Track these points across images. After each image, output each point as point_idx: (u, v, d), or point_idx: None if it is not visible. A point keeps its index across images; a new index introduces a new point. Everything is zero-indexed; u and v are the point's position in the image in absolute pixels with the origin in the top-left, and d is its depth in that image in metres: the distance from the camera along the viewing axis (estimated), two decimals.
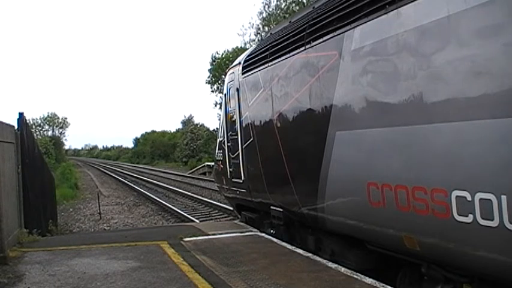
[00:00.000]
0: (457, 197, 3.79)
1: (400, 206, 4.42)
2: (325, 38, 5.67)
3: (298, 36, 6.46)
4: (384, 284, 4.95)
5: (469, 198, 3.67)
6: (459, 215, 3.78)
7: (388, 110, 4.57)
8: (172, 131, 71.08)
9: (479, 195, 3.60)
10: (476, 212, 3.63)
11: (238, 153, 8.95)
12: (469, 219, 3.70)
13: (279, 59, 7.01)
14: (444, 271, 4.44)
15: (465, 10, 3.67)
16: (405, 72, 4.31)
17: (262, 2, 32.60)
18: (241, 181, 8.93)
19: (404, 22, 4.31)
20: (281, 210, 7.46)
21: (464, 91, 3.74)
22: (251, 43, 31.69)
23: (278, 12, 30.91)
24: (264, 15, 31.89)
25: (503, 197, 3.41)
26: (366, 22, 4.88)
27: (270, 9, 31.71)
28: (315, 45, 5.90)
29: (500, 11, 3.47)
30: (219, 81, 37.61)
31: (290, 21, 7.56)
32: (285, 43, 6.88)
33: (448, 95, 3.87)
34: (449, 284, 4.45)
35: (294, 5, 29.81)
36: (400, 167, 4.44)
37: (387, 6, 4.54)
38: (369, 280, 5.11)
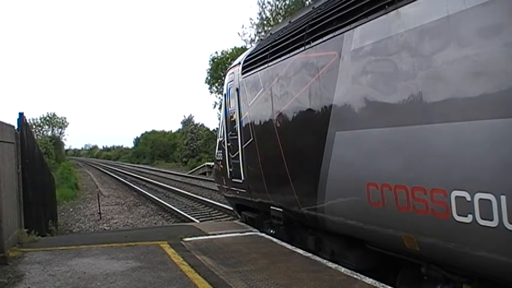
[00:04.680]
0: (456, 197, 3.79)
1: (400, 206, 4.42)
2: (324, 38, 5.67)
3: (298, 37, 6.46)
4: (383, 284, 4.96)
5: (469, 199, 3.68)
6: (459, 215, 3.79)
7: (388, 110, 4.57)
8: (172, 131, 71.13)
9: (478, 196, 3.60)
10: (476, 212, 3.63)
11: (238, 153, 8.95)
12: (468, 219, 3.70)
13: (279, 59, 7.01)
14: (444, 271, 4.44)
15: (464, 10, 3.68)
16: (405, 72, 4.31)
17: (259, 3, 32.60)
18: (241, 181, 8.93)
19: (404, 22, 4.31)
20: (281, 210, 7.46)
21: (463, 91, 3.74)
22: (251, 43, 31.69)
23: (277, 13, 30.88)
24: (263, 15, 31.87)
25: (503, 197, 3.41)
26: (365, 22, 4.88)
27: (267, 12, 31.72)
28: (315, 45, 5.90)
29: (499, 11, 3.47)
30: (218, 82, 37.57)
31: (290, 22, 7.57)
32: (285, 43, 6.89)
33: (447, 95, 3.87)
34: (449, 284, 4.45)
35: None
36: (400, 167, 4.44)
37: (387, 6, 4.54)
38: (369, 280, 5.12)
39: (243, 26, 38.79)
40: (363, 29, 4.93)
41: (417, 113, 4.19)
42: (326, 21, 5.70)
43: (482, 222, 3.59)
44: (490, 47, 3.52)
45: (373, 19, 4.76)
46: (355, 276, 5.29)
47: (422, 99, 4.12)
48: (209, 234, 8.30)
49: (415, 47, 4.20)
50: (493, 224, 3.50)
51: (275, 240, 7.60)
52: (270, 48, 7.46)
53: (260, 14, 32.25)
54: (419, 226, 4.28)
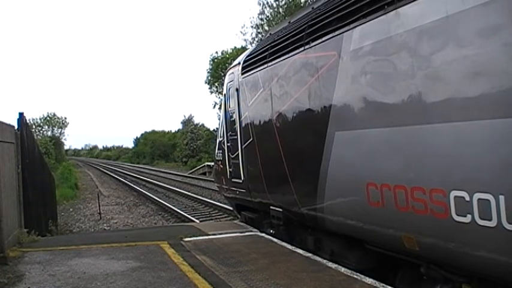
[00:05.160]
0: (455, 197, 3.80)
1: (399, 206, 4.43)
2: (324, 39, 5.68)
3: (297, 37, 6.47)
4: (383, 284, 4.97)
5: (468, 199, 3.68)
6: (458, 215, 3.80)
7: (387, 110, 4.58)
8: (172, 131, 71.12)
9: (477, 196, 3.61)
10: (475, 212, 3.64)
11: (238, 154, 8.95)
12: (467, 219, 3.71)
13: (279, 59, 7.02)
14: (443, 271, 4.45)
15: (464, 10, 3.69)
16: (404, 72, 4.32)
17: (259, 4, 32.66)
18: (240, 181, 8.94)
19: (403, 22, 4.32)
20: (281, 210, 7.47)
21: (462, 91, 3.75)
22: (251, 44, 31.72)
23: (277, 13, 30.95)
24: (263, 16, 31.95)
25: (501, 197, 3.42)
26: (364, 23, 4.89)
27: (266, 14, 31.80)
28: (314, 45, 5.91)
29: (499, 11, 3.48)
30: (218, 82, 37.59)
31: (289, 22, 7.57)
32: (285, 43, 6.90)
33: (446, 95, 3.88)
34: (448, 284, 4.45)
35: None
36: (399, 167, 4.45)
37: (386, 6, 4.55)
38: (369, 280, 5.12)
39: (243, 26, 38.89)
40: (362, 29, 4.94)
41: (417, 113, 4.19)
42: (325, 21, 5.70)
43: (481, 222, 3.60)
44: (490, 47, 3.53)
45: (372, 19, 4.76)
46: (355, 276, 5.29)
47: (422, 99, 4.12)
48: (209, 234, 8.30)
49: (414, 47, 4.21)
50: (492, 224, 3.50)
51: (275, 240, 7.61)
52: (270, 48, 7.46)
53: (261, 14, 32.33)
54: (418, 226, 4.29)
